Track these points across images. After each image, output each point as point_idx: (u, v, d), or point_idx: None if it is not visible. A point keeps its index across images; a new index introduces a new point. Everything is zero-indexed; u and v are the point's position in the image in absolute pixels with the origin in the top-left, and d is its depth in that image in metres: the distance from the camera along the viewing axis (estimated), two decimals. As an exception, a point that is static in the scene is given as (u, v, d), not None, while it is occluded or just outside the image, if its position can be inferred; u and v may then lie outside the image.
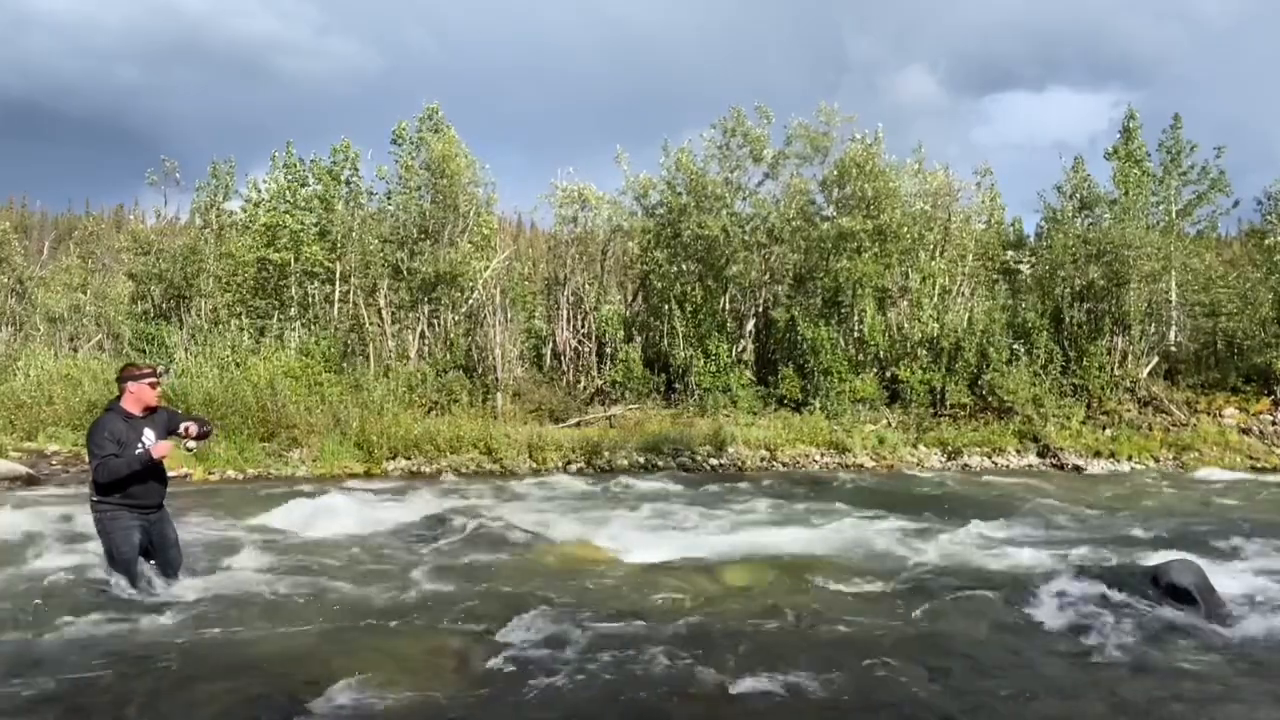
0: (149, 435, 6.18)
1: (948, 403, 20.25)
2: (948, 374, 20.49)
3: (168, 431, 6.33)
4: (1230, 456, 18.32)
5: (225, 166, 23.85)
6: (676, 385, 21.34)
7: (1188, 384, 21.35)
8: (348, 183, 22.72)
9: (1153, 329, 22.27)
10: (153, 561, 6.33)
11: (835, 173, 22.50)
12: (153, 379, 6.34)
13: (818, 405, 20.01)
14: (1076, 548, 8.68)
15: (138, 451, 6.03)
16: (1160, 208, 24.74)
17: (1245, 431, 19.48)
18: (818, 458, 17.92)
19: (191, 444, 6.25)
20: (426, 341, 21.48)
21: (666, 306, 22.74)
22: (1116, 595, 6.43)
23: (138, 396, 6.23)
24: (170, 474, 7.09)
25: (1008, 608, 6.39)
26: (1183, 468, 17.87)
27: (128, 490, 6.07)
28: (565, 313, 22.99)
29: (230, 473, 14.12)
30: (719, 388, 20.74)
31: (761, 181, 23.33)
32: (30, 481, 12.89)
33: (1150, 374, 21.36)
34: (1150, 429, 19.47)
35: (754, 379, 21.61)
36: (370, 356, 20.26)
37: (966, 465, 18.04)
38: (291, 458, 15.24)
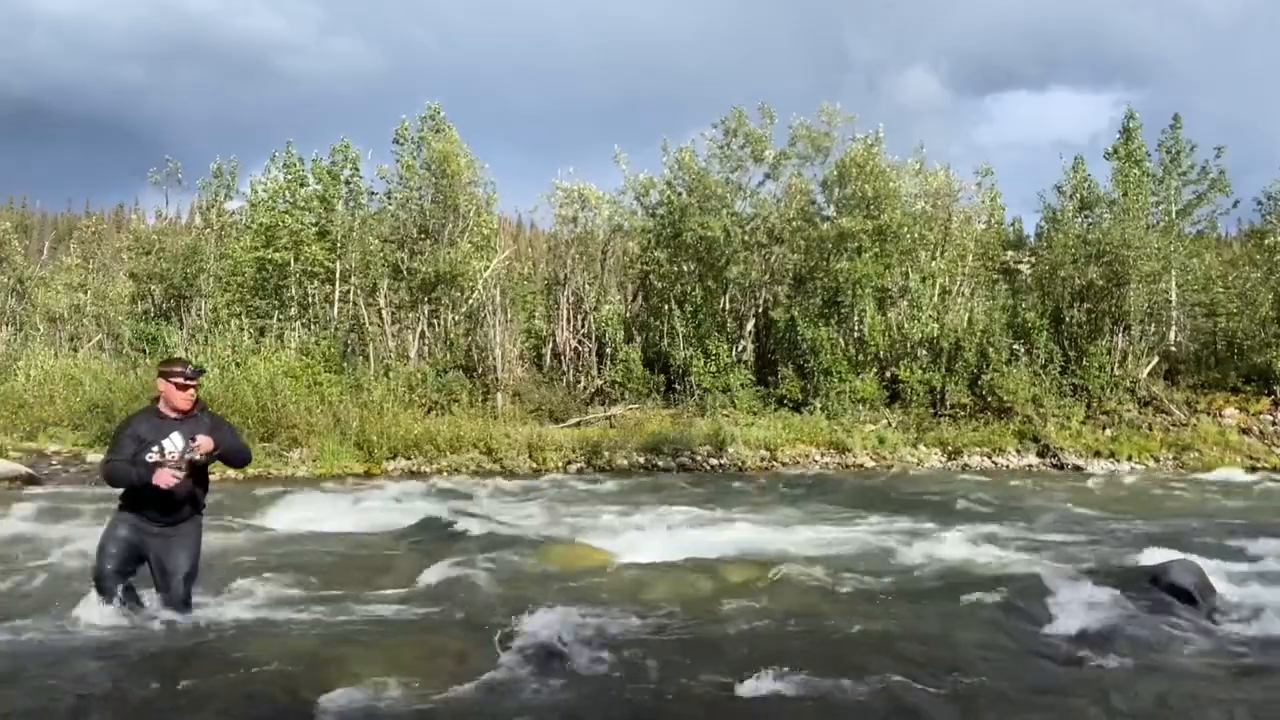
0: (175, 440, 5.31)
1: (948, 403, 20.26)
2: (948, 374, 20.49)
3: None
4: (1230, 456, 18.34)
5: (229, 166, 23.92)
6: (676, 385, 21.35)
7: (1188, 384, 21.36)
8: (348, 183, 22.73)
9: (1153, 329, 22.28)
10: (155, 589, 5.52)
11: (836, 173, 22.53)
12: (180, 379, 5.38)
13: (818, 405, 20.02)
14: (1076, 548, 8.68)
15: (150, 457, 5.24)
16: (1160, 208, 24.77)
17: (1245, 431, 19.49)
18: (818, 458, 17.94)
19: (199, 457, 5.32)
20: (426, 341, 21.48)
21: (666, 306, 22.76)
22: (1116, 595, 6.42)
23: (165, 397, 5.41)
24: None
25: (1007, 608, 6.38)
26: (1183, 468, 17.88)
27: (138, 495, 5.33)
28: (565, 313, 22.98)
29: (230, 472, 14.11)
30: (719, 388, 20.74)
31: (762, 182, 23.42)
32: (30, 481, 12.90)
33: (1150, 374, 21.36)
34: (1150, 429, 19.49)
35: (754, 379, 21.62)
36: (370, 356, 20.27)
37: (966, 465, 18.05)
38: (291, 458, 15.25)
